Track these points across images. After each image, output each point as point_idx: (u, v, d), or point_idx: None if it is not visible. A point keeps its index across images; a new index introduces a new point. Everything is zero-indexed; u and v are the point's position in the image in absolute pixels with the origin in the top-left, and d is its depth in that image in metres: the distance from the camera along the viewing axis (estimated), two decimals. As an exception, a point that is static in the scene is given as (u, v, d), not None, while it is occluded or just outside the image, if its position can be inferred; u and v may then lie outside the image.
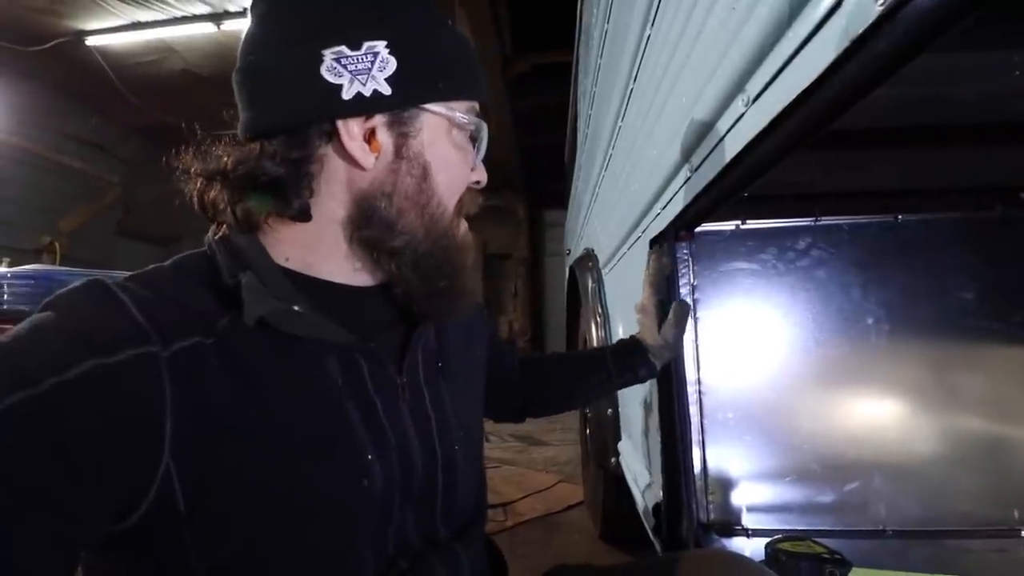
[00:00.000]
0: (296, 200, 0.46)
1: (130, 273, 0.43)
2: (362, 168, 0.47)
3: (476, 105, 0.52)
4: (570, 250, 2.96)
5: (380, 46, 0.45)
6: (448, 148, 0.50)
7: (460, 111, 0.50)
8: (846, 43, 0.34)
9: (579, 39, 2.31)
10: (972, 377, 0.96)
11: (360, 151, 0.46)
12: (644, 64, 0.97)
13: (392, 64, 0.45)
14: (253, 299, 0.41)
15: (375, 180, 0.47)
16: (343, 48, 0.44)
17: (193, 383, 0.39)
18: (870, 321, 0.98)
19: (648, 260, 0.82)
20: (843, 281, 0.99)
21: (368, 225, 0.48)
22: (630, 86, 1.12)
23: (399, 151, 0.47)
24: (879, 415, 0.98)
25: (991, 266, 0.96)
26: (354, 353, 0.47)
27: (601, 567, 0.69)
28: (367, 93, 0.45)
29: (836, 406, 0.98)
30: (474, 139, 0.53)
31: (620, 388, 0.85)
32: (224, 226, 0.49)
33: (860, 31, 0.33)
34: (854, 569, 0.72)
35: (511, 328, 7.15)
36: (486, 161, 0.55)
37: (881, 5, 0.31)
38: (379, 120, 0.46)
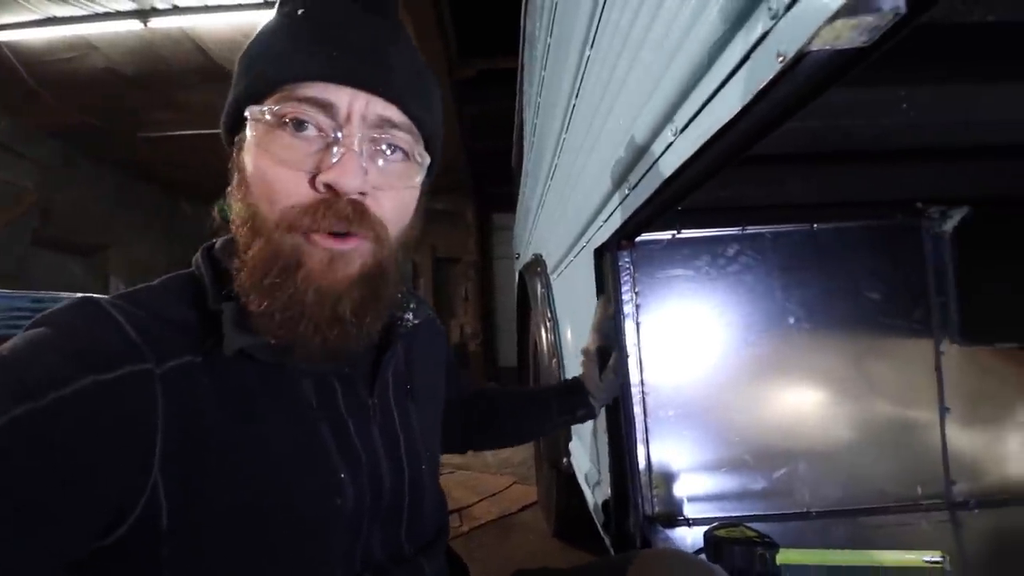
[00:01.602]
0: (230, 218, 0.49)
1: (120, 292, 0.45)
2: None
3: (301, 89, 0.43)
4: (519, 254, 3.00)
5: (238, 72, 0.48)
6: (255, 152, 0.44)
7: (267, 105, 0.44)
8: (753, 91, 0.39)
9: (523, 47, 2.36)
10: (881, 368, 1.07)
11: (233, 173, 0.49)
12: (585, 83, 1.02)
13: (232, 88, 0.48)
14: (232, 333, 0.43)
15: None
16: None
17: (184, 400, 0.40)
18: (792, 321, 1.07)
19: (595, 308, 0.86)
20: (768, 284, 1.07)
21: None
22: (572, 101, 1.16)
23: (234, 168, 0.48)
24: (802, 406, 1.07)
25: (894, 268, 1.07)
26: (328, 376, 0.49)
27: (556, 570, 0.73)
28: (223, 122, 0.49)
29: (765, 400, 1.07)
30: (316, 127, 0.44)
31: (561, 428, 0.89)
32: (216, 240, 0.51)
33: (764, 83, 0.38)
34: (781, 550, 0.79)
35: (462, 331, 7.14)
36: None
37: (780, 61, 0.36)
38: (235, 143, 0.48)
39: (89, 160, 5.63)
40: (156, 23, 3.85)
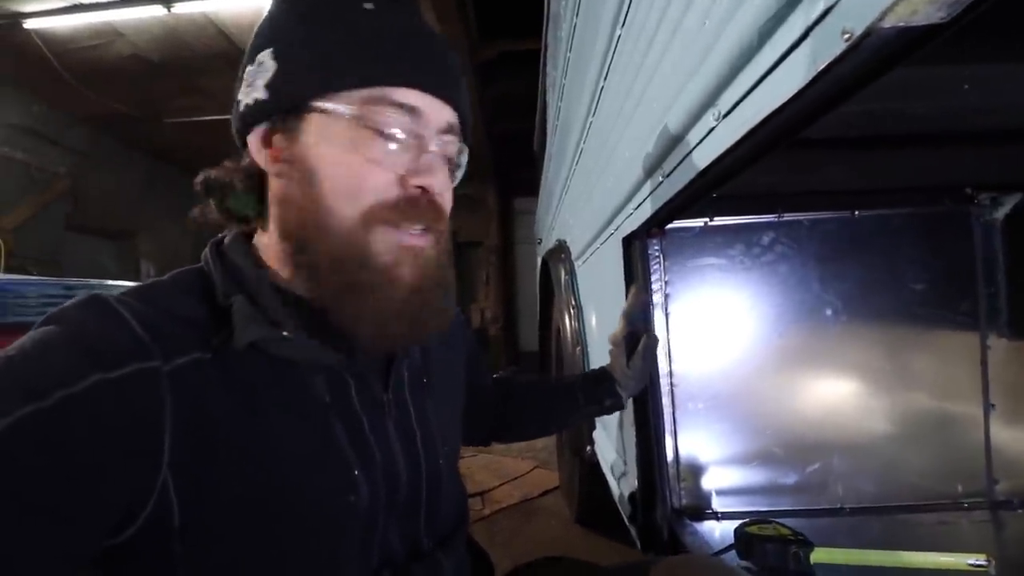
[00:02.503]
0: (247, 210, 0.49)
1: (128, 288, 0.44)
2: (274, 176, 0.48)
3: (395, 94, 0.45)
4: (541, 239, 2.97)
5: (267, 54, 0.46)
6: (336, 148, 0.44)
7: (353, 103, 0.44)
8: (814, 72, 0.36)
9: (547, 27, 2.30)
10: (922, 363, 1.02)
11: (263, 159, 0.47)
12: (615, 64, 0.98)
13: (271, 69, 0.46)
14: (243, 325, 0.43)
15: (278, 189, 0.48)
16: (248, 66, 0.47)
17: (192, 397, 0.40)
18: (829, 312, 1.03)
19: (628, 294, 0.84)
20: (804, 274, 1.03)
21: (285, 238, 0.47)
22: (600, 83, 1.12)
23: (286, 155, 0.46)
24: (837, 400, 1.03)
25: (940, 258, 1.02)
26: (342, 371, 0.48)
27: (581, 564, 0.72)
28: (250, 101, 0.46)
29: (798, 393, 1.03)
30: (407, 132, 0.46)
31: (588, 418, 0.85)
32: (225, 235, 0.51)
33: (825, 64, 0.35)
34: (816, 549, 0.77)
35: (483, 316, 7.16)
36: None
37: (846, 40, 0.33)
38: (270, 126, 0.47)
39: (118, 146, 5.75)
40: (179, 8, 3.87)
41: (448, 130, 0.48)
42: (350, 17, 0.45)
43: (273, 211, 0.48)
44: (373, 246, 0.45)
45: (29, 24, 4.00)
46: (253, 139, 0.47)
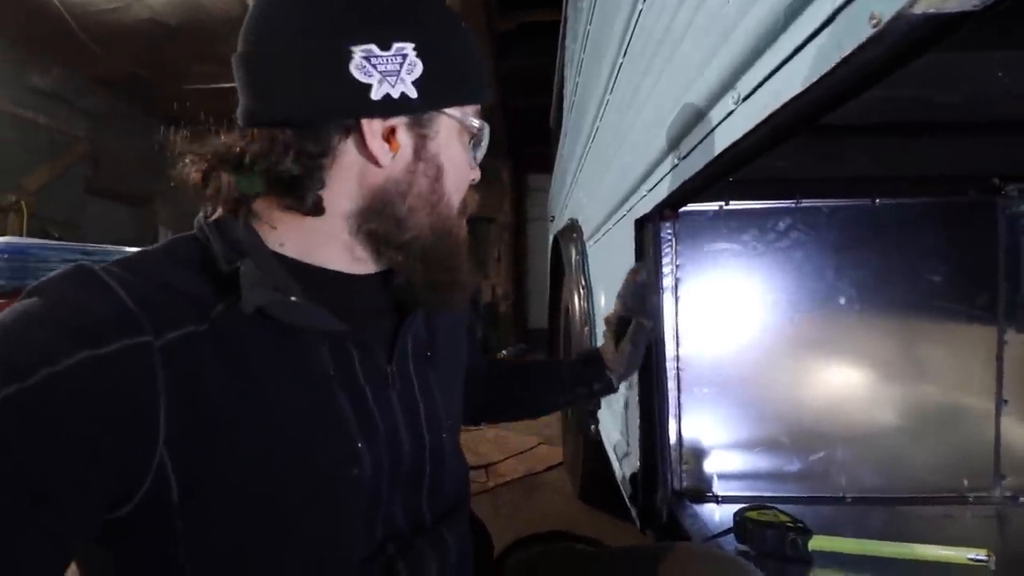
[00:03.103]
0: (310, 196, 0.46)
1: (119, 258, 0.42)
2: (378, 165, 0.47)
3: (479, 107, 0.53)
4: (554, 217, 2.95)
5: (409, 48, 0.45)
6: (459, 150, 0.52)
7: (470, 114, 0.51)
8: (838, 58, 0.35)
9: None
10: (936, 355, 1.01)
11: (380, 150, 0.46)
12: (635, 40, 0.95)
13: (419, 67, 0.45)
14: (252, 288, 0.41)
15: (390, 178, 0.48)
16: (373, 47, 0.44)
17: (186, 372, 0.38)
18: (842, 301, 1.01)
19: (626, 275, 0.81)
20: (820, 262, 1.01)
21: (377, 219, 0.48)
22: (619, 61, 1.10)
23: (417, 152, 0.48)
24: (845, 389, 1.02)
25: (962, 249, 0.99)
26: (346, 342, 0.47)
27: (582, 538, 0.73)
28: (395, 95, 0.45)
29: (806, 381, 1.03)
30: (475, 138, 0.54)
31: (579, 400, 0.83)
32: (215, 208, 0.48)
33: (851, 49, 0.33)
34: (815, 536, 0.78)
35: (494, 292, 7.17)
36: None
37: (874, 25, 0.31)
38: (400, 120, 0.46)
39: (137, 111, 5.75)
40: (196, -29, 3.80)
41: None
42: (459, 33, 0.50)
43: (352, 193, 0.47)
44: (462, 230, 0.54)
45: (47, -15, 3.98)
46: (375, 127, 0.45)
